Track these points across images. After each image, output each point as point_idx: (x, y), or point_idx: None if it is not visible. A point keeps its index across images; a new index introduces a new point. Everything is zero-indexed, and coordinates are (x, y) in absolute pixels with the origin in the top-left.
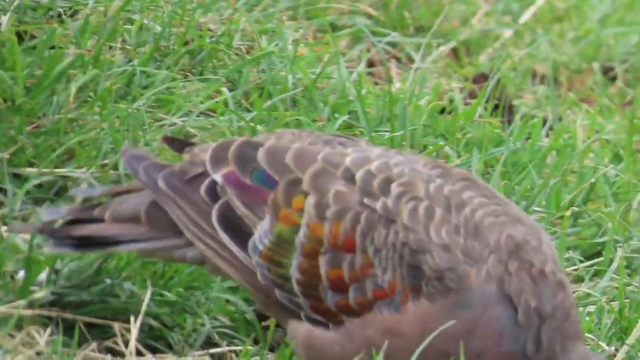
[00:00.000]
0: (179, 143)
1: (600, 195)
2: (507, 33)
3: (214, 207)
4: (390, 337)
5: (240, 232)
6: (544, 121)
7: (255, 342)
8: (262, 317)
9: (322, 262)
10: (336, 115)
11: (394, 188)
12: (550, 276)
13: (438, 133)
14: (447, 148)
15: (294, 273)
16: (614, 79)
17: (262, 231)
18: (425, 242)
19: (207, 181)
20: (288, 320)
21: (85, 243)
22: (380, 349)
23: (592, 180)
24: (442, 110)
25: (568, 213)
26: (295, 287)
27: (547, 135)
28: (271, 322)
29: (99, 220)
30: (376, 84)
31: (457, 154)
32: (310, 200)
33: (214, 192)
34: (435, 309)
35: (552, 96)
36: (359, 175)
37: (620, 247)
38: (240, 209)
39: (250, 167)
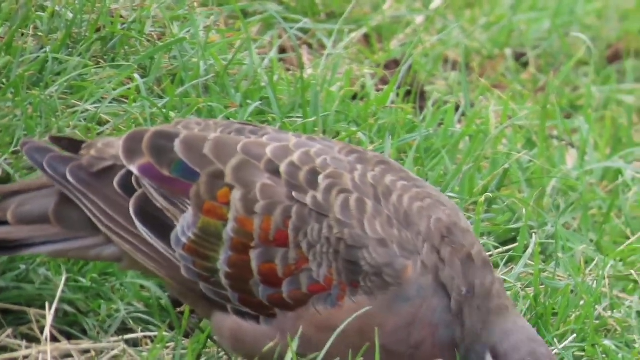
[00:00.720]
0: (68, 142)
1: (513, 181)
2: (419, 19)
3: (130, 200)
4: (326, 332)
5: (160, 225)
6: (457, 107)
7: (171, 328)
8: (176, 304)
9: (253, 256)
10: (248, 101)
11: (322, 180)
12: (476, 258)
13: (350, 119)
14: (360, 134)
15: (223, 267)
16: (526, 64)
17: (184, 224)
18: (362, 237)
19: (120, 173)
20: (213, 312)
21: None
22: (312, 344)
23: (506, 166)
24: (354, 97)
25: (482, 199)
26: (224, 281)
27: (460, 121)
28: (185, 308)
29: (1, 222)
30: (288, 70)
31: (369, 140)
32: (236, 194)
33: (128, 184)
34: (374, 304)
35: (464, 82)
36: (283, 168)
37: (534, 233)
38: (160, 201)
39: (168, 159)
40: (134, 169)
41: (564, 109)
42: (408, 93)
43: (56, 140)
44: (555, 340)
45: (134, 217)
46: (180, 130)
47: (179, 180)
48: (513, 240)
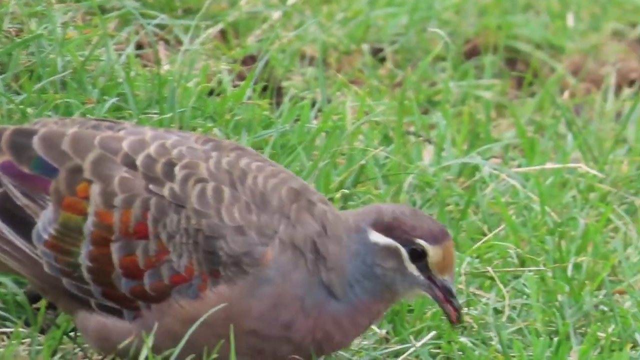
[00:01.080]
0: None
1: (370, 177)
2: (276, 15)
3: None
4: (191, 324)
5: (21, 223)
6: (313, 103)
7: (27, 324)
8: (33, 300)
9: (114, 249)
10: (105, 97)
11: (178, 171)
12: (318, 201)
13: (207, 115)
14: (216, 130)
15: (84, 261)
16: (383, 60)
17: (45, 220)
18: (219, 227)
19: None
20: (77, 311)
21: None
22: (180, 338)
23: (362, 162)
24: (211, 92)
25: (338, 195)
26: (86, 275)
27: (316, 117)
28: (41, 304)
29: None
30: (145, 66)
31: (226, 136)
32: (95, 188)
33: None
34: (236, 291)
35: (321, 78)
36: (139, 160)
37: None
38: (20, 199)
39: (27, 156)
40: None
41: (421, 104)
42: (265, 89)
43: None
44: (412, 337)
45: None
46: (39, 127)
47: (39, 177)
48: None
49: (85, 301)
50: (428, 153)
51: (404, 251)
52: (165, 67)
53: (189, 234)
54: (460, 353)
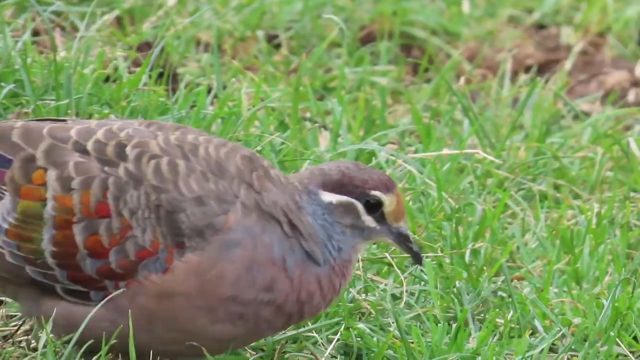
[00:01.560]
0: None
1: None
2: (171, 1)
3: None
4: (165, 300)
5: None
6: (209, 89)
7: None
8: None
9: (77, 231)
10: (2, 84)
11: (130, 151)
12: (270, 170)
13: (103, 101)
14: (112, 116)
15: (47, 246)
16: (278, 46)
17: (3, 210)
18: (178, 201)
19: None
20: (41, 300)
21: None
22: (158, 317)
23: (258, 148)
24: (107, 79)
25: None
26: (50, 260)
27: (212, 103)
28: None
29: None
30: (41, 53)
31: None
32: (51, 174)
33: None
34: (205, 257)
35: (216, 64)
36: (90, 146)
37: None
38: None
39: None
40: None
41: (316, 90)
42: (160, 75)
43: None
44: (309, 323)
45: None
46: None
47: None
48: None
49: (50, 287)
50: (324, 139)
51: (359, 205)
52: (62, 53)
53: (150, 209)
54: (359, 339)
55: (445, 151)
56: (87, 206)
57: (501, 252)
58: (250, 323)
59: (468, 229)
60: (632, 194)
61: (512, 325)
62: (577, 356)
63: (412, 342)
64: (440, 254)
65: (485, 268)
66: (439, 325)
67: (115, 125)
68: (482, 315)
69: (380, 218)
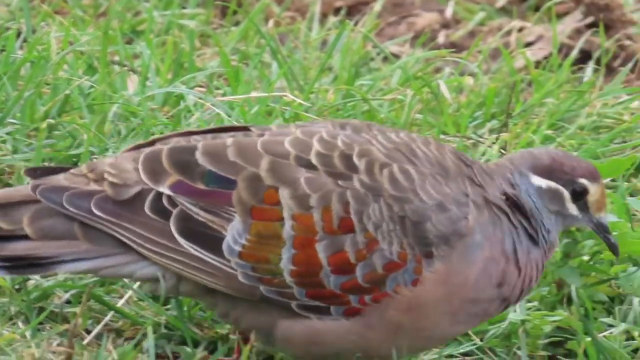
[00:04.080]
0: (42, 171)
1: (75, 107)
2: None
3: (169, 221)
4: (415, 311)
5: (207, 239)
6: (18, 33)
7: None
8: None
9: (320, 249)
10: None
11: (358, 161)
12: (469, 159)
13: None
14: None
15: (287, 266)
16: None
17: (234, 232)
18: (423, 209)
19: (149, 198)
20: (277, 321)
21: (20, 265)
22: (405, 328)
23: (67, 92)
24: None
25: (43, 125)
26: (288, 279)
27: (22, 48)
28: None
29: (21, 237)
30: None
31: None
32: (284, 192)
33: (160, 207)
34: (452, 264)
35: (26, 8)
36: (314, 159)
37: (95, 158)
38: (202, 215)
39: (197, 172)
40: (164, 189)
41: (125, 34)
42: None
43: (31, 172)
44: None
45: (177, 236)
46: (192, 142)
47: (217, 191)
48: (74, 165)
49: (285, 305)
50: (132, 82)
51: (565, 192)
52: None
53: (395, 221)
54: None
55: (254, 94)
56: (330, 223)
57: None
58: (479, 319)
59: None
60: (441, 136)
61: None
62: None
63: None
64: None
65: None
66: None
67: (321, 131)
68: None
69: (584, 206)
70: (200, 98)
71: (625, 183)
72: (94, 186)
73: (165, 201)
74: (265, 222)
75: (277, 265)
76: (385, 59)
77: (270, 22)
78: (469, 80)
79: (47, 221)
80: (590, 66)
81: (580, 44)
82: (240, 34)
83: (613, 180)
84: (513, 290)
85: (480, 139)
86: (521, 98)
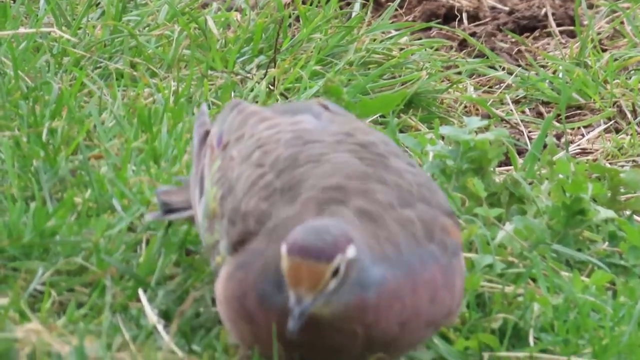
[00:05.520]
0: None
1: None
2: None
3: None
4: None
5: None
6: None
7: None
8: None
9: None
10: None
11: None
12: None
13: None
14: None
15: None
16: None
17: None
18: None
19: None
20: None
21: None
22: None
23: None
24: None
25: None
26: None
27: None
28: None
29: None
30: None
31: None
32: None
33: None
34: None
35: None
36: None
37: None
38: None
39: None
40: None
41: None
42: None
43: None
44: None
45: None
46: None
47: None
48: None
49: None
50: None
51: None
52: None
53: None
54: None
55: (22, 30)
56: None
57: (78, 130)
58: None
59: (45, 107)
60: (209, 72)
61: (91, 205)
62: None
63: None
64: (17, 133)
65: (62, 147)
66: (16, 204)
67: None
68: (59, 194)
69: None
70: None
71: (396, 119)
72: None
73: None
74: None
75: None
76: None
77: None
78: (236, 16)
79: None
80: (358, 1)
81: None
82: None
83: (383, 117)
84: None
85: (248, 75)
86: (289, 34)
